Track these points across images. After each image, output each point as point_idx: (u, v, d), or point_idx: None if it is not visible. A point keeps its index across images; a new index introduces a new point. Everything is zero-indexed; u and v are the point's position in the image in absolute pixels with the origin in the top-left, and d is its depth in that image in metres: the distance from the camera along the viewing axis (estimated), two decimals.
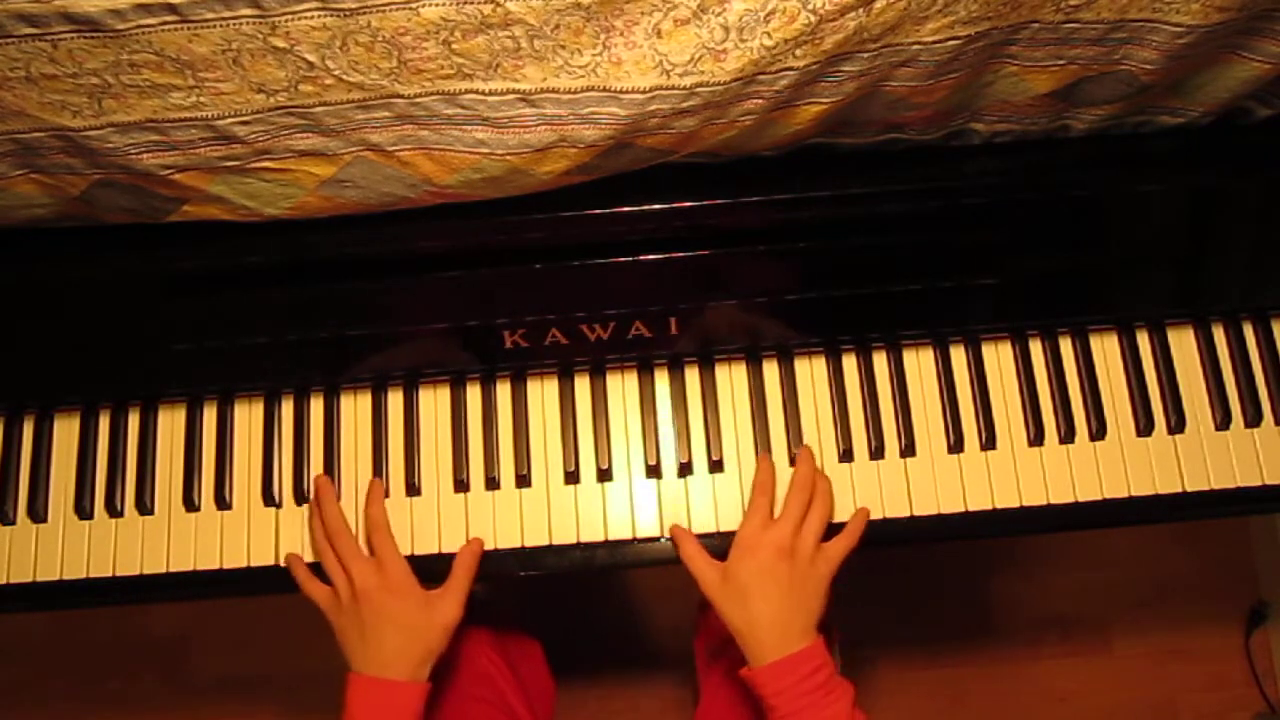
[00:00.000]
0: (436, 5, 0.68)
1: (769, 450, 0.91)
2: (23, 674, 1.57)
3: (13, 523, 0.91)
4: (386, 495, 0.91)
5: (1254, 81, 0.84)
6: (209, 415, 0.93)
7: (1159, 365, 0.93)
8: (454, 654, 0.95)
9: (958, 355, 0.94)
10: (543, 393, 0.93)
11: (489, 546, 0.89)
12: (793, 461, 0.91)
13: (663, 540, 0.90)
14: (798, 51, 0.72)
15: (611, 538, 0.90)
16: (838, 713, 0.79)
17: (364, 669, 0.82)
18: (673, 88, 0.73)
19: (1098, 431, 0.91)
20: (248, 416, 0.93)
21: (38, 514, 0.91)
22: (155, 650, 1.57)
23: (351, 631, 0.83)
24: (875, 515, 0.90)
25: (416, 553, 0.89)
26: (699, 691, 1.04)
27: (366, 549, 0.87)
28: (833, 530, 0.87)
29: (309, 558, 0.89)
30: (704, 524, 0.90)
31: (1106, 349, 0.94)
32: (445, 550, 0.89)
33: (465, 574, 0.86)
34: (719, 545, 0.88)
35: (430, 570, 0.89)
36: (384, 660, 0.82)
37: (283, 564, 0.89)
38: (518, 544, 0.89)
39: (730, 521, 0.90)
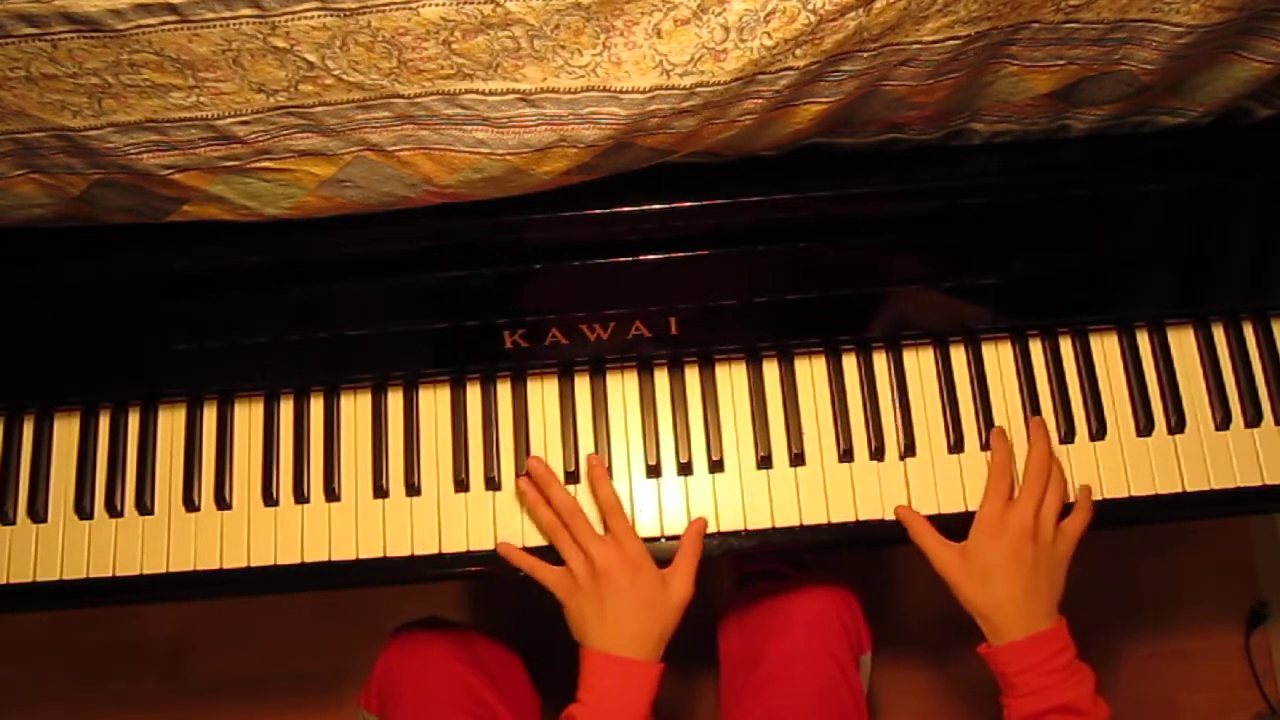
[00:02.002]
0: (436, 5, 0.68)
1: (771, 451, 0.91)
2: (23, 674, 1.57)
3: (13, 523, 0.91)
4: (386, 495, 0.91)
5: (1254, 81, 0.84)
6: (209, 415, 0.93)
7: (1159, 365, 0.93)
8: (440, 675, 0.95)
9: (958, 355, 0.93)
10: (543, 393, 0.93)
11: (490, 546, 0.89)
12: (793, 461, 0.91)
13: (663, 540, 0.90)
14: (798, 51, 0.72)
15: None
16: (1080, 695, 0.79)
17: (602, 646, 0.82)
18: (673, 88, 0.73)
19: (1098, 431, 0.91)
20: (248, 416, 0.93)
21: (38, 514, 0.91)
22: (155, 650, 1.57)
23: (590, 611, 0.83)
24: (876, 515, 0.90)
25: (416, 553, 0.89)
26: (723, 687, 1.03)
27: (604, 529, 0.87)
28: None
29: (310, 557, 0.89)
30: (920, 513, 0.89)
31: (1106, 349, 0.94)
32: (446, 550, 0.89)
33: (692, 551, 0.87)
34: (719, 545, 0.88)
35: (430, 571, 0.89)
36: (625, 639, 0.82)
37: (287, 563, 0.89)
38: (518, 544, 0.89)
39: (730, 521, 0.90)
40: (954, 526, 0.89)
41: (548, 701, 1.07)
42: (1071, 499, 0.88)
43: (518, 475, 0.91)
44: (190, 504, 0.91)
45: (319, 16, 0.68)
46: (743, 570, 1.14)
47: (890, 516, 0.89)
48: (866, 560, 1.51)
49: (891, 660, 1.53)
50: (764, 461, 0.91)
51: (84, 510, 0.91)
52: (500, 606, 1.47)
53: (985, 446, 0.91)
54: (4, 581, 0.90)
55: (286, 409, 0.93)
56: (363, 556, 0.89)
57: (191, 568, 0.90)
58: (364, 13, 0.68)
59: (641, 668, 0.82)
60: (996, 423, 0.91)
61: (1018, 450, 0.90)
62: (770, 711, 0.94)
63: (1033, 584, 0.82)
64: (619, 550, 0.85)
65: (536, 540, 0.89)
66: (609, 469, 0.91)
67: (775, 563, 1.10)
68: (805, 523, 0.90)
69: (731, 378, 0.93)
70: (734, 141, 0.82)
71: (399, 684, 0.95)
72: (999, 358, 0.94)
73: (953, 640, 1.53)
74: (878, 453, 0.91)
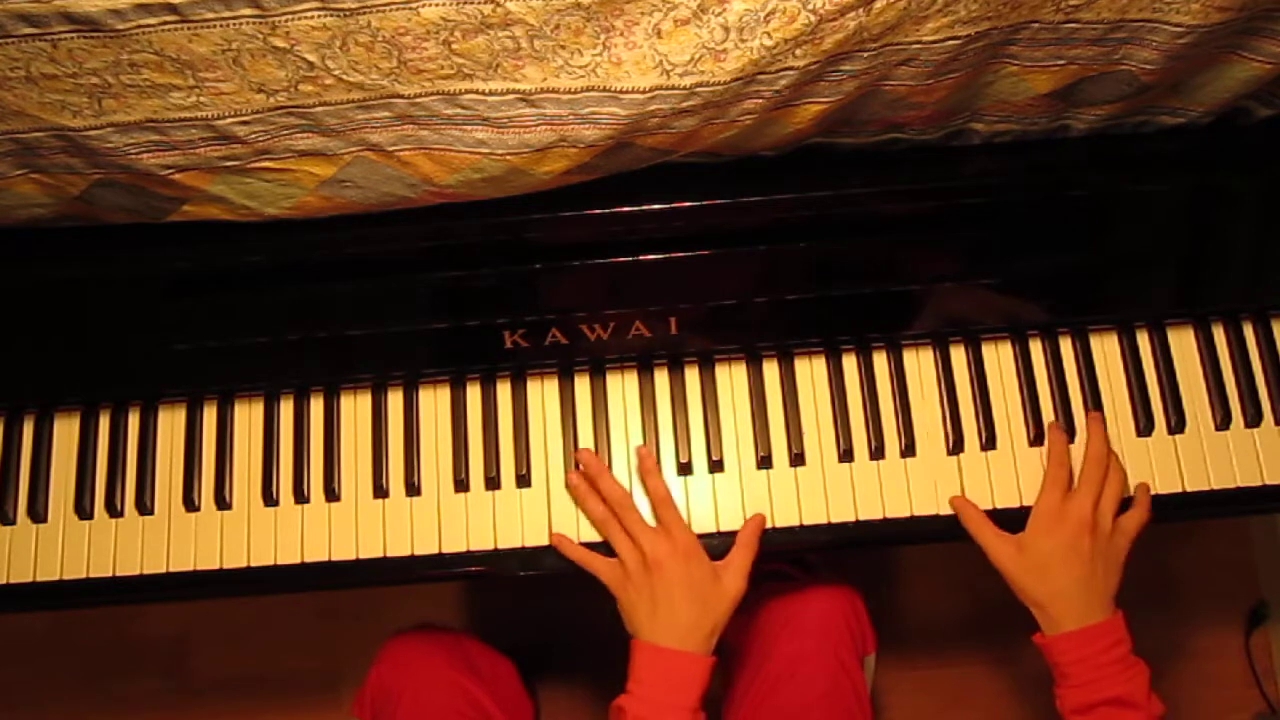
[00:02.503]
0: (436, 5, 0.68)
1: (771, 451, 0.91)
2: (23, 674, 1.57)
3: (13, 523, 0.91)
4: (386, 495, 0.91)
5: (1254, 81, 0.84)
6: (209, 415, 0.93)
7: (1159, 365, 0.93)
8: (434, 681, 0.95)
9: (958, 355, 0.93)
10: (543, 393, 0.93)
11: (490, 546, 0.89)
12: (793, 461, 0.91)
13: None
14: (798, 51, 0.72)
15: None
16: (1135, 689, 0.79)
17: (654, 638, 0.82)
18: (673, 88, 0.73)
19: None
20: (248, 416, 0.93)
21: (38, 514, 0.91)
22: (155, 650, 1.56)
23: (642, 602, 0.83)
24: (875, 515, 0.90)
25: (416, 553, 0.89)
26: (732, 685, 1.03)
27: (655, 521, 0.87)
28: None
29: (310, 557, 0.89)
30: (703, 524, 0.90)
31: (1106, 349, 0.94)
32: (446, 551, 0.89)
33: (748, 547, 0.87)
34: (718, 545, 0.88)
35: (430, 571, 0.89)
36: (677, 631, 0.82)
37: (287, 563, 0.89)
38: (518, 544, 0.89)
39: (730, 521, 0.90)
40: (956, 526, 0.89)
41: (540, 704, 1.07)
42: (1130, 494, 0.88)
43: (518, 475, 0.91)
44: (190, 504, 0.91)
45: (319, 16, 0.68)
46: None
47: (890, 515, 0.89)
48: (868, 561, 1.51)
49: (892, 660, 1.53)
50: (764, 461, 0.91)
51: (84, 510, 0.91)
52: (493, 609, 1.47)
53: (985, 446, 0.91)
54: (4, 581, 0.90)
55: (286, 409, 0.93)
56: (363, 556, 0.89)
57: (191, 568, 0.90)
58: (364, 13, 0.68)
59: (692, 660, 0.82)
60: (996, 423, 0.91)
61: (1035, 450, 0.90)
62: (776, 710, 0.94)
63: (1090, 576, 0.82)
64: (670, 541, 0.84)
65: (538, 541, 0.89)
66: (608, 468, 0.91)
67: (782, 564, 1.10)
68: (805, 523, 0.90)
69: (731, 378, 0.93)
70: (734, 141, 0.82)
71: (394, 692, 0.95)
72: (999, 358, 0.94)
73: (951, 640, 1.53)
74: (878, 453, 0.91)
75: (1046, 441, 0.90)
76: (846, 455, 0.91)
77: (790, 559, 1.09)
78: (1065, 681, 0.81)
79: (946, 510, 0.90)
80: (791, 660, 0.96)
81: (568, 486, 0.90)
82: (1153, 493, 0.90)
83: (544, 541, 0.89)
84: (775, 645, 0.97)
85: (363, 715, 0.99)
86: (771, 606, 1.00)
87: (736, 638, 1.04)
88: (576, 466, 0.90)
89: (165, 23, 0.68)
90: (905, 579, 1.54)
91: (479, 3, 0.68)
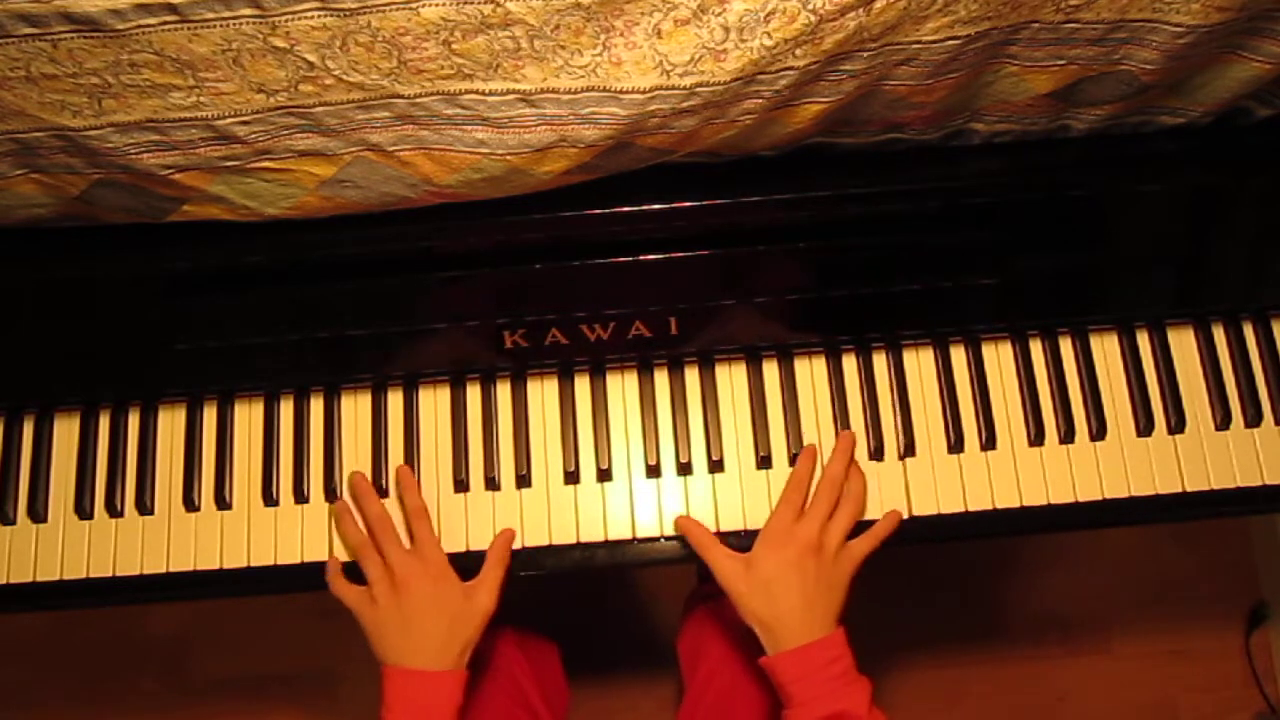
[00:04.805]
0: (436, 5, 0.68)
1: (771, 451, 0.91)
2: (23, 674, 1.57)
3: (13, 523, 0.91)
4: (386, 495, 0.91)
5: (1254, 81, 0.84)
6: (209, 415, 0.93)
7: (1159, 365, 0.93)
8: (483, 651, 0.96)
9: (958, 355, 0.93)
10: (543, 393, 0.93)
11: (489, 546, 0.89)
12: (794, 461, 0.91)
13: (662, 540, 0.90)
14: (798, 51, 0.72)
15: (611, 538, 0.90)
16: (856, 704, 0.79)
17: (403, 661, 0.81)
18: (673, 88, 0.73)
19: (1098, 431, 0.91)
20: (248, 416, 0.93)
21: (38, 514, 0.91)
22: (155, 650, 1.57)
23: (391, 625, 0.83)
24: (875, 515, 0.89)
25: None
26: (683, 692, 1.04)
27: (406, 539, 0.87)
28: (864, 527, 0.87)
29: (310, 557, 0.89)
30: (703, 524, 0.89)
31: (1106, 349, 0.94)
32: (446, 550, 0.89)
33: (499, 563, 0.86)
34: (733, 546, 0.88)
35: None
36: (429, 651, 0.81)
37: (287, 563, 0.89)
38: (518, 544, 0.89)
39: (730, 521, 0.90)
40: (956, 526, 0.89)
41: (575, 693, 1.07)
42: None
43: (517, 475, 0.91)
44: (190, 504, 0.91)
45: (319, 16, 0.68)
46: (702, 590, 1.15)
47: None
48: (867, 561, 1.51)
49: (892, 660, 1.53)
50: (764, 461, 0.91)
51: (84, 510, 0.91)
52: (529, 593, 1.47)
53: (985, 446, 0.91)
54: (4, 581, 0.90)
55: (286, 409, 0.93)
56: None
57: (191, 568, 0.90)
58: (364, 13, 0.68)
59: (443, 677, 0.81)
60: (996, 423, 0.91)
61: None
62: (709, 709, 0.96)
63: (812, 596, 0.82)
64: (422, 562, 0.84)
65: (539, 541, 0.89)
66: (609, 469, 0.91)
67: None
68: None
69: (731, 378, 0.93)
70: (734, 141, 0.82)
71: None
72: (999, 358, 0.94)
73: (951, 640, 1.53)
74: (877, 453, 0.91)
75: (798, 462, 0.89)
76: None
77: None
78: (790, 702, 0.80)
79: (947, 510, 0.90)
80: (720, 661, 0.98)
81: (332, 513, 0.90)
82: (1153, 493, 0.90)
83: (544, 542, 0.89)
84: (710, 647, 0.99)
85: None
86: (711, 620, 1.02)
87: (684, 647, 1.06)
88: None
89: (165, 23, 0.68)
90: (905, 579, 1.54)
91: (479, 3, 0.68)
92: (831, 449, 0.90)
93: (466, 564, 0.89)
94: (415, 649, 0.81)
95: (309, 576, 0.89)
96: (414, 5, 0.68)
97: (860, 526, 0.87)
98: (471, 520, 0.90)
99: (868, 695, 0.80)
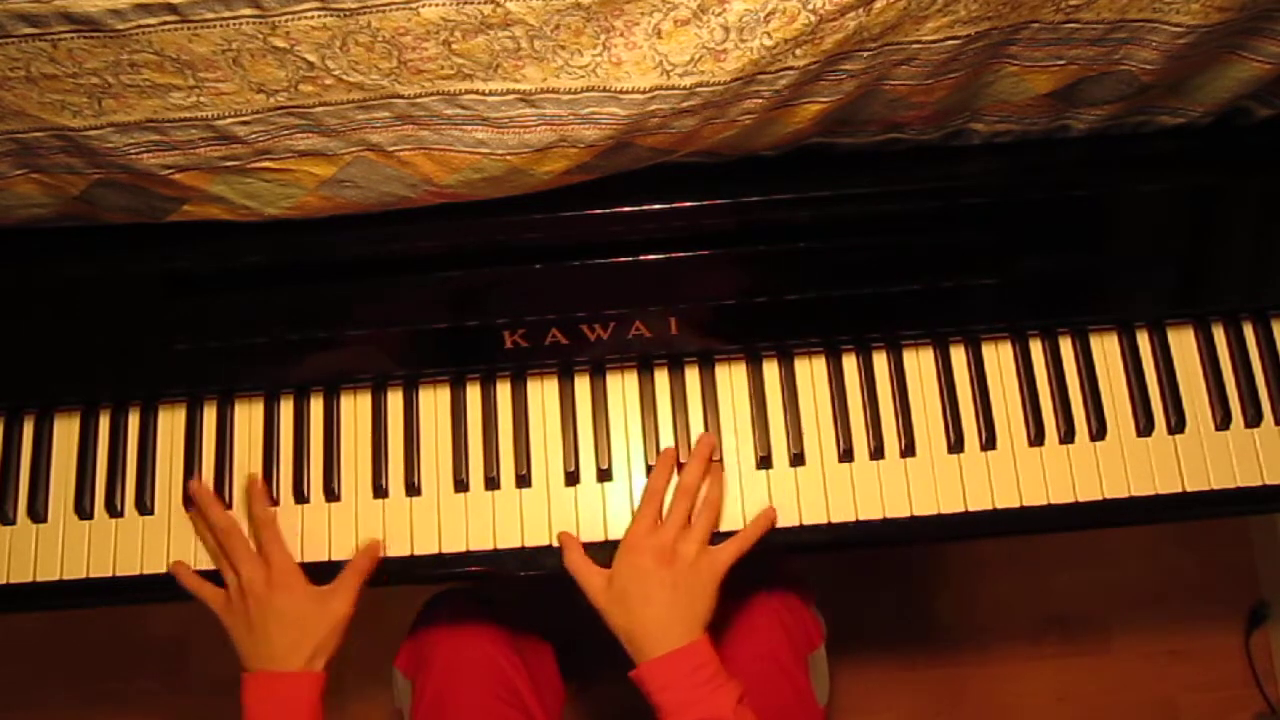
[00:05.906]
0: (436, 5, 0.68)
1: (771, 451, 0.91)
2: (22, 674, 1.57)
3: (13, 523, 0.91)
4: (386, 495, 0.91)
5: (1254, 81, 0.84)
6: (209, 415, 0.93)
7: (1159, 365, 0.93)
8: (474, 653, 0.96)
9: (958, 355, 0.93)
10: (543, 393, 0.93)
11: (490, 546, 0.89)
12: (793, 461, 0.91)
13: None
14: (798, 51, 0.72)
15: (612, 538, 0.90)
16: (721, 705, 0.78)
17: (255, 665, 0.83)
18: (673, 88, 0.73)
19: (1098, 431, 0.91)
20: (248, 416, 0.93)
21: (38, 514, 0.91)
22: (155, 650, 1.56)
23: (241, 629, 0.85)
24: (875, 515, 0.90)
25: (416, 553, 0.89)
26: None
27: (256, 548, 0.88)
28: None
29: (310, 558, 0.89)
30: (577, 539, 0.89)
31: (1106, 349, 0.94)
32: (446, 551, 0.89)
33: (355, 573, 0.87)
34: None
35: (430, 571, 0.89)
36: (275, 655, 0.83)
37: (548, 543, 0.89)
38: (518, 544, 0.89)
39: (730, 521, 0.90)
40: (956, 526, 0.89)
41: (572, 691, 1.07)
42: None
43: (517, 475, 0.91)
44: (191, 504, 0.91)
45: (319, 16, 0.68)
46: None
47: (890, 515, 0.89)
48: (867, 561, 1.51)
49: (892, 660, 1.53)
50: (764, 461, 0.91)
51: (84, 510, 0.91)
52: (526, 591, 1.47)
53: (985, 446, 0.91)
54: (4, 581, 0.90)
55: (286, 409, 0.93)
56: None
57: (192, 568, 0.90)
58: (364, 13, 0.68)
59: (294, 679, 0.83)
60: (996, 423, 0.91)
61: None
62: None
63: (671, 605, 0.82)
64: (266, 568, 0.86)
65: (538, 541, 0.90)
66: (609, 469, 0.91)
67: None
68: (805, 523, 0.90)
69: (731, 378, 0.93)
70: (734, 141, 0.82)
71: (434, 656, 0.97)
72: (999, 358, 0.94)
73: (951, 640, 1.53)
74: (877, 453, 0.91)
75: (654, 470, 0.89)
76: (846, 455, 0.91)
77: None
78: (660, 711, 0.80)
79: (946, 510, 0.90)
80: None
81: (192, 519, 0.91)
82: (1153, 493, 0.90)
83: (544, 541, 0.89)
84: None
85: (404, 669, 1.01)
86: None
87: None
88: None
89: (165, 23, 0.68)
90: (905, 579, 1.54)
91: (479, 3, 0.68)
92: (690, 455, 0.90)
93: (466, 564, 0.89)
94: (264, 653, 0.83)
95: (308, 576, 0.89)
96: (414, 5, 0.68)
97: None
98: (471, 520, 0.90)
99: (734, 698, 0.79)
